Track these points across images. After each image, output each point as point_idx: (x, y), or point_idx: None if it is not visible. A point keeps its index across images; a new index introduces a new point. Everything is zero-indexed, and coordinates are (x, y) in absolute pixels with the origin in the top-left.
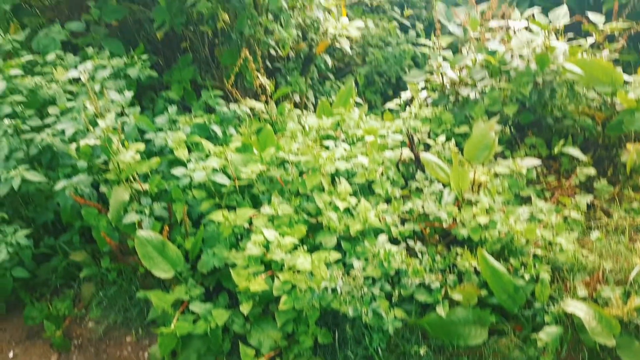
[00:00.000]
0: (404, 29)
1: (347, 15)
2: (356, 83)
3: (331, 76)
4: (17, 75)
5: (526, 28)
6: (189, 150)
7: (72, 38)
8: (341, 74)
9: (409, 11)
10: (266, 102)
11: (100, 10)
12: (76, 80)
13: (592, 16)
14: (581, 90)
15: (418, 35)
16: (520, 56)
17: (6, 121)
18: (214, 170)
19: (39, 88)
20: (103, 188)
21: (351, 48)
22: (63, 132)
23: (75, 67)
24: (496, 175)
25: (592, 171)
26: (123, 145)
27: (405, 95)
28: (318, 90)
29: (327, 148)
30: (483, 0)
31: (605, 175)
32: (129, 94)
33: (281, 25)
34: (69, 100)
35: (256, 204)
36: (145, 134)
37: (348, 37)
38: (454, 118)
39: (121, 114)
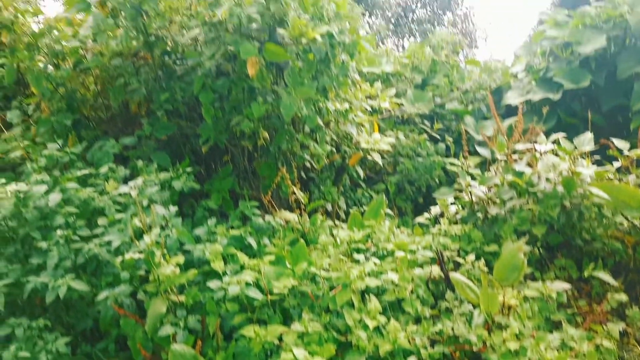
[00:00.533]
0: (433, 140)
1: (379, 127)
2: (387, 191)
3: (363, 184)
4: (72, 188)
5: (552, 151)
6: (225, 262)
7: (123, 150)
8: (372, 182)
9: (439, 124)
10: (300, 215)
11: (152, 126)
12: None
13: (618, 142)
14: (609, 213)
15: (447, 148)
16: (547, 179)
17: (59, 232)
18: (248, 284)
19: (91, 200)
20: (140, 296)
21: (382, 158)
22: (109, 243)
23: (125, 181)
24: (526, 298)
25: (623, 297)
26: (164, 258)
27: (434, 210)
28: (349, 197)
29: (357, 262)
30: (511, 114)
31: (638, 301)
32: (173, 209)
33: (316, 141)
34: (117, 211)
35: (286, 317)
36: (185, 245)
37: (379, 151)
38: (483, 236)
39: (164, 227)
